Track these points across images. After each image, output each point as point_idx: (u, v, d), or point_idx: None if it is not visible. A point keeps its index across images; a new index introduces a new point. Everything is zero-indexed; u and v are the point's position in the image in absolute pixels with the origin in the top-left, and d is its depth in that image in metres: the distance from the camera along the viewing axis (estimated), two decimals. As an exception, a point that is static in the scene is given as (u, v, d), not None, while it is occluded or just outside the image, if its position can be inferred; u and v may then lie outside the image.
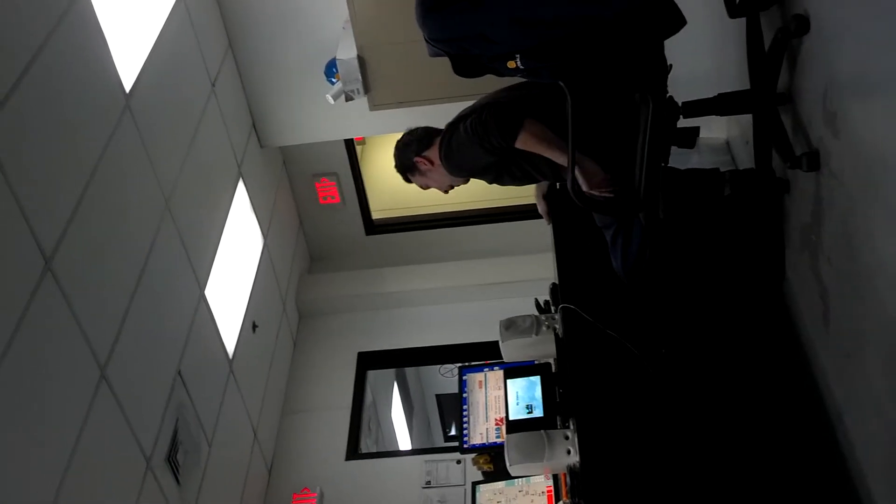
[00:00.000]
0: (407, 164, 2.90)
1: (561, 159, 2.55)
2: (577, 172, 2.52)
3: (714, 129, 3.66)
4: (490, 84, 2.77)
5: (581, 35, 2.29)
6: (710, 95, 2.81)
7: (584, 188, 2.57)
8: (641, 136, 2.34)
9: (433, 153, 2.84)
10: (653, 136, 2.34)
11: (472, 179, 2.93)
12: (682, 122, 2.75)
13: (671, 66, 2.48)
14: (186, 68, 4.39)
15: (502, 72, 2.49)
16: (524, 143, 2.57)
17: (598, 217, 2.88)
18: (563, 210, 3.25)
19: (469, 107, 2.79)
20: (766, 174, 2.78)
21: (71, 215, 3.01)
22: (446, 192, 2.96)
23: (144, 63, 3.78)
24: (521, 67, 2.39)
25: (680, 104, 2.73)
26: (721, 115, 2.88)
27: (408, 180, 2.99)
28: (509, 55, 2.37)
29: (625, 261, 2.85)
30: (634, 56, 2.42)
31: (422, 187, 2.99)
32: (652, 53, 2.47)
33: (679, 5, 2.42)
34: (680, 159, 3.52)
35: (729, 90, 2.80)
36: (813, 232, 2.52)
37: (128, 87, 3.58)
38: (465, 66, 2.51)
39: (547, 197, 3.19)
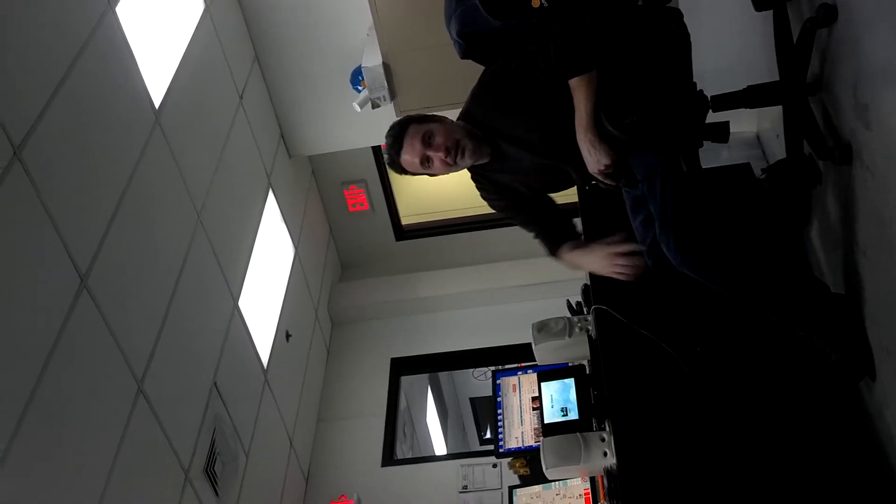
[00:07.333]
0: (422, 114, 2.72)
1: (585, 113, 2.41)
2: (588, 148, 2.43)
3: (744, 124, 3.61)
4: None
5: None
6: (739, 88, 2.79)
7: (591, 167, 2.47)
8: (661, 58, 2.39)
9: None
10: (675, 56, 2.39)
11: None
12: (712, 117, 2.72)
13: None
14: (214, 81, 4.44)
15: (528, 13, 2.49)
16: (580, 81, 2.40)
17: (628, 199, 2.77)
18: (591, 209, 3.24)
19: None
20: (799, 162, 2.74)
21: (105, 232, 3.05)
22: (447, 151, 2.63)
23: (172, 78, 3.83)
24: (545, 4, 2.42)
25: (709, 98, 2.71)
26: (751, 107, 2.85)
27: (399, 145, 2.63)
28: None
29: (645, 236, 2.73)
30: None
31: (423, 146, 2.62)
32: None
33: (705, 1, 2.41)
34: (711, 155, 3.49)
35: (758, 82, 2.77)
36: (847, 225, 2.48)
37: (157, 102, 3.62)
38: (497, 5, 2.53)
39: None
